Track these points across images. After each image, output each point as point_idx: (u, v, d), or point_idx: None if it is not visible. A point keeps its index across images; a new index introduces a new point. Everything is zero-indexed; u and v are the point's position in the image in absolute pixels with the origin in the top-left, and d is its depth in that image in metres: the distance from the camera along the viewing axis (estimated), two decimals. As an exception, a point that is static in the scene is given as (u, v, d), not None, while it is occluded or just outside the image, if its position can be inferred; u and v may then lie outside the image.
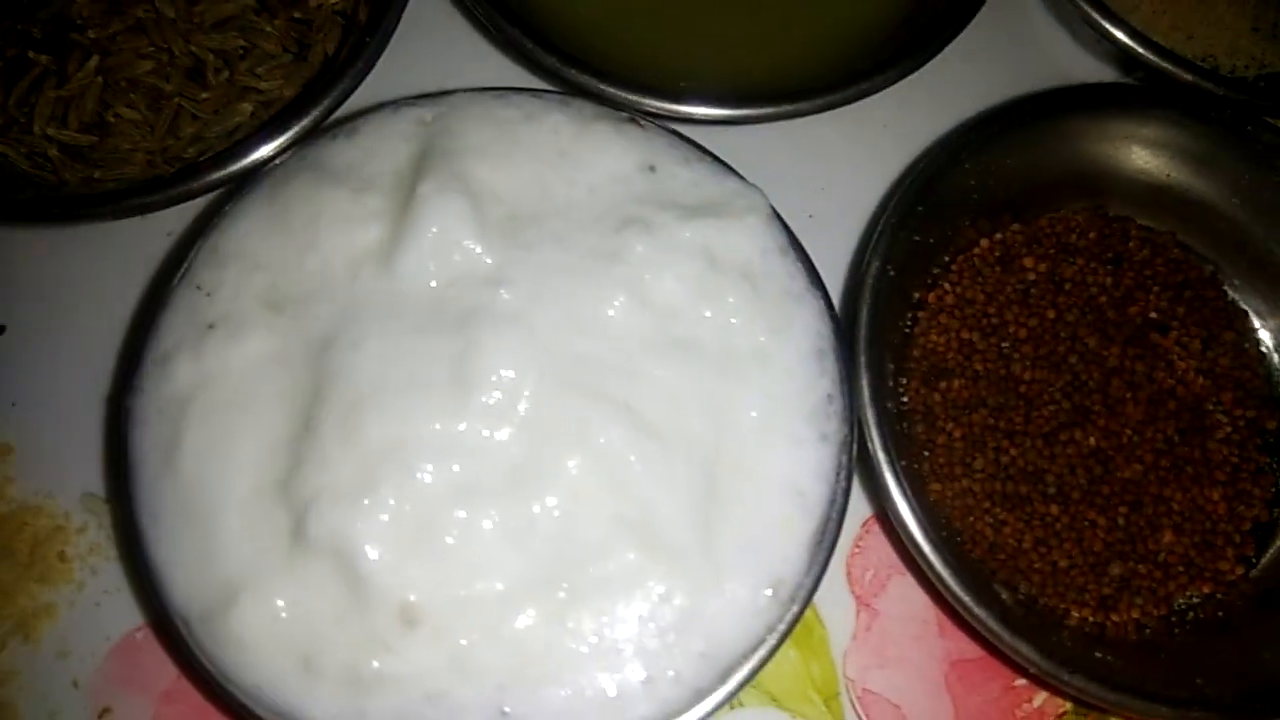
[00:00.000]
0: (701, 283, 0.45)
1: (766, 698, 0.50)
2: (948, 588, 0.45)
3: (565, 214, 0.46)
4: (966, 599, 0.45)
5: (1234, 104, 0.55)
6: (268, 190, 0.47)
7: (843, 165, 0.59)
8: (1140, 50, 0.56)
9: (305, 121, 0.50)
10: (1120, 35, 0.56)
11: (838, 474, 0.45)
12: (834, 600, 0.52)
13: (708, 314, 0.45)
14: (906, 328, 0.54)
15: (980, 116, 0.55)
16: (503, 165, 0.46)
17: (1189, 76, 0.55)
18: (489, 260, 0.44)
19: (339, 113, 0.51)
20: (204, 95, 0.55)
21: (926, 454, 0.52)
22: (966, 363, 0.54)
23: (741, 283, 0.46)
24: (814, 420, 0.45)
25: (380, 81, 0.52)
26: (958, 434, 0.52)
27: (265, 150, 0.49)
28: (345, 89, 0.51)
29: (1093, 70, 0.63)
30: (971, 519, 0.52)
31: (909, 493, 0.45)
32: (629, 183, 0.47)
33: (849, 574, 0.52)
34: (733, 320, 0.45)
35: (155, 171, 0.54)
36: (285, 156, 0.49)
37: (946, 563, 0.45)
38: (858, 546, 0.53)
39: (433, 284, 0.44)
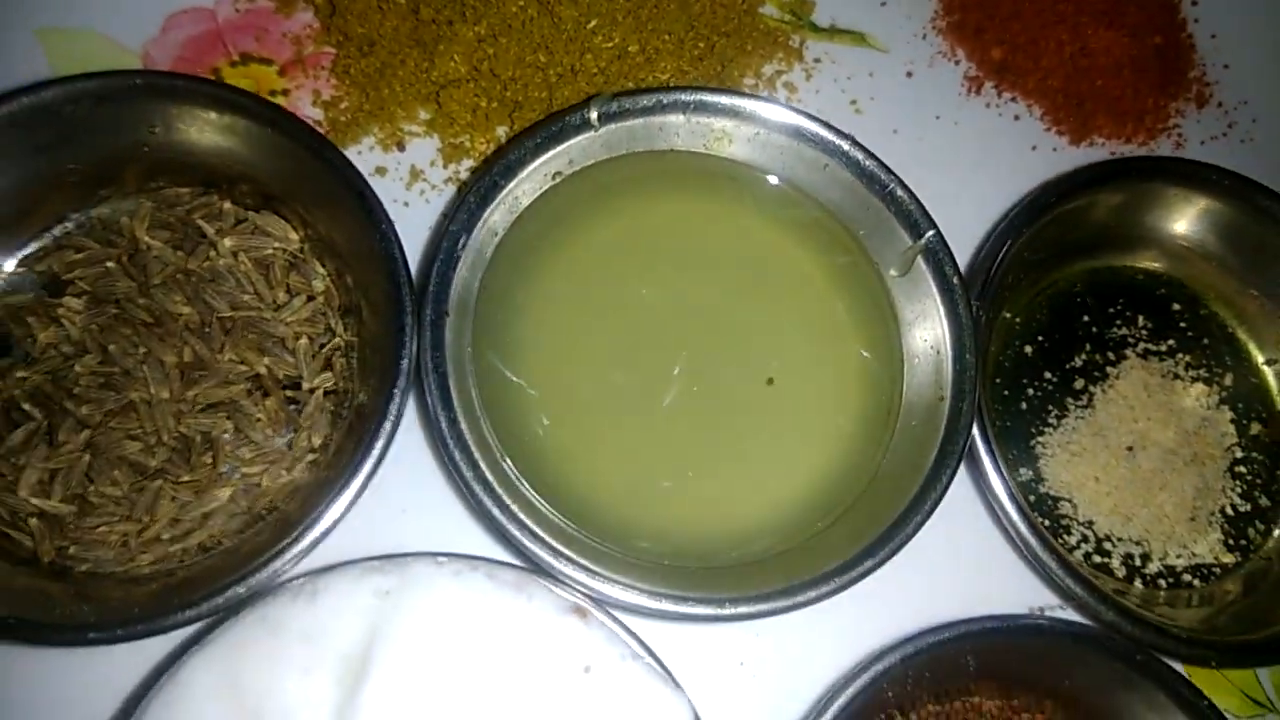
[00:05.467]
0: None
1: None
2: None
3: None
4: None
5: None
6: (223, 653, 0.49)
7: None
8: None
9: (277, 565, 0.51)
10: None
11: None
12: None
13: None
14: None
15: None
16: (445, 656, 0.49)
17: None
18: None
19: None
20: (186, 477, 0.57)
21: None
22: None
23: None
24: None
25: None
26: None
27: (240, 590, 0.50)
28: (314, 540, 0.52)
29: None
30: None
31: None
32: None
33: None
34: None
35: (129, 555, 0.55)
36: (246, 612, 0.50)
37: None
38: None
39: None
